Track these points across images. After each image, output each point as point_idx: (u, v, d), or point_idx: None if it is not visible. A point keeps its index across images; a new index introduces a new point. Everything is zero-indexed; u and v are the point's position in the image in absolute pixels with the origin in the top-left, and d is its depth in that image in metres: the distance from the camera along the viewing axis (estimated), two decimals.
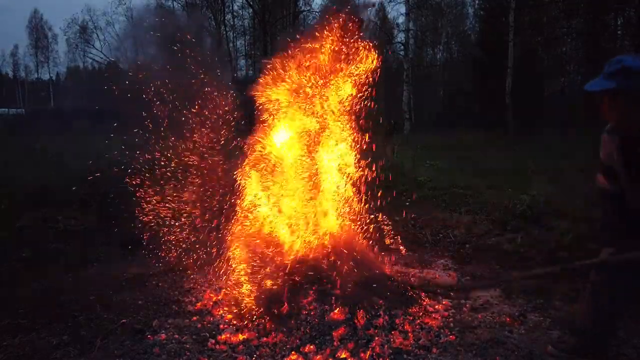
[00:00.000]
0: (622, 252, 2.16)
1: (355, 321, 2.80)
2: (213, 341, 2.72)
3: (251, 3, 23.67)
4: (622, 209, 2.25)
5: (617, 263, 2.16)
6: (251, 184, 3.40)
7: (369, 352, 2.56)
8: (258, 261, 3.17)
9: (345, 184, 3.48)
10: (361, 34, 3.37)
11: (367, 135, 3.53)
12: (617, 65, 2.00)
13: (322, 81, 3.33)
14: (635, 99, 2.00)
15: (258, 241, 3.26)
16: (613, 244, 2.21)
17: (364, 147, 3.53)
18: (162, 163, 3.85)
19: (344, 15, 3.29)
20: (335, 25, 3.29)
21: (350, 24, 3.31)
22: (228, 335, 2.76)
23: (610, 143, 2.24)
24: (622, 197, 2.24)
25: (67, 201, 5.43)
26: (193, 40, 3.94)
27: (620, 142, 2.18)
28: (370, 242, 3.67)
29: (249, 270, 3.18)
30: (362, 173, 3.53)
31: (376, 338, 2.68)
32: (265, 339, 2.72)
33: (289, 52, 3.32)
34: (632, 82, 1.96)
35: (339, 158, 3.46)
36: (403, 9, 23.08)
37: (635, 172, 2.16)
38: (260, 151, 3.38)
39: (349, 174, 3.48)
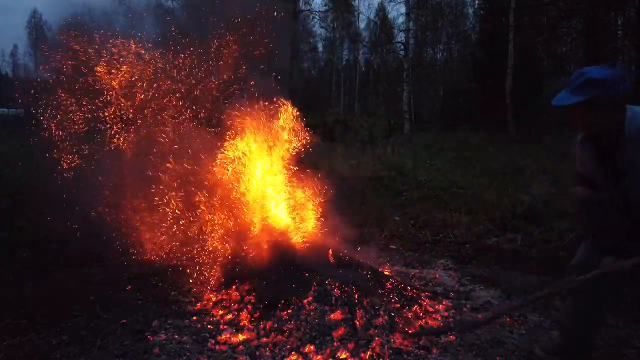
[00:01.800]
0: (624, 257, 2.16)
1: (356, 322, 2.80)
2: (213, 341, 2.72)
3: None
4: (610, 212, 2.28)
5: (620, 271, 2.15)
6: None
7: (369, 352, 2.56)
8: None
9: None
10: None
11: None
12: (582, 79, 2.06)
13: None
14: (605, 107, 2.05)
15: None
16: (613, 251, 2.21)
17: None
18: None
19: None
20: None
21: None
22: (228, 336, 2.76)
23: (584, 154, 2.29)
24: (608, 201, 2.27)
25: None
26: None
27: (595, 151, 2.23)
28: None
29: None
30: None
31: (376, 338, 2.68)
32: (265, 339, 2.72)
33: None
34: (598, 92, 2.03)
35: None
36: (403, 9, 23.12)
37: (613, 180, 2.19)
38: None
39: None
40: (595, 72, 2.05)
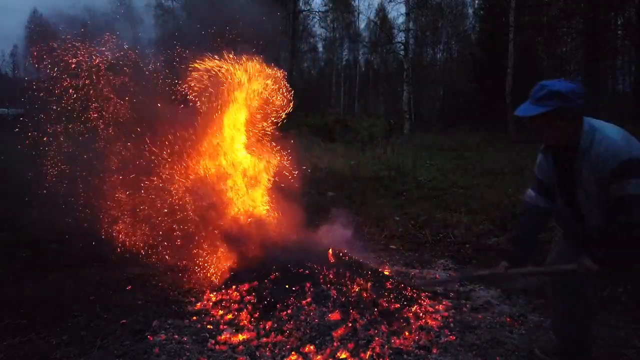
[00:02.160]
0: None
1: (355, 322, 2.80)
2: (213, 341, 2.71)
3: None
4: (541, 225, 2.50)
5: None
6: None
7: (369, 352, 2.56)
8: None
9: None
10: None
11: None
12: (544, 91, 2.12)
13: None
14: (564, 119, 2.11)
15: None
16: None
17: None
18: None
19: None
20: None
21: None
22: (228, 336, 2.76)
23: (545, 162, 2.39)
24: (547, 214, 2.45)
25: None
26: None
27: (553, 161, 2.33)
28: None
29: None
30: None
31: (376, 338, 2.68)
32: (265, 339, 2.72)
33: None
34: (559, 104, 2.08)
35: None
36: (403, 9, 23.13)
37: (567, 191, 2.28)
38: None
39: None
40: (558, 84, 2.12)
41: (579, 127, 2.13)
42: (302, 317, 2.85)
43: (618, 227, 2.10)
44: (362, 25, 36.72)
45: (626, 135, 2.11)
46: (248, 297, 3.17)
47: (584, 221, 2.27)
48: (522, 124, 17.04)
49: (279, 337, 2.72)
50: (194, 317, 3.03)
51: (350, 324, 2.76)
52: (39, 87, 3.96)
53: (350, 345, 2.60)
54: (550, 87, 2.11)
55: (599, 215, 2.18)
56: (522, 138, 14.71)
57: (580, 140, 2.12)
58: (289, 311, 2.92)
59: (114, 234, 4.15)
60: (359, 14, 34.83)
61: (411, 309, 3.09)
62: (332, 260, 3.38)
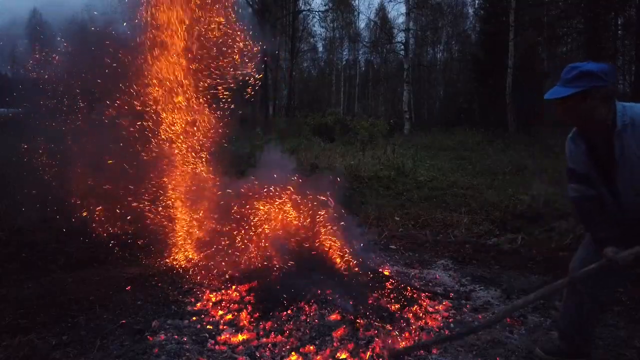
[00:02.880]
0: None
1: (355, 322, 2.80)
2: (212, 342, 2.71)
3: (251, 3, 23.65)
4: (600, 207, 2.30)
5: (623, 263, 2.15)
6: None
7: (369, 353, 2.55)
8: None
9: None
10: None
11: None
12: (575, 71, 2.11)
13: None
14: (598, 99, 2.09)
15: None
16: (611, 244, 2.21)
17: None
18: None
19: None
20: None
21: None
22: (228, 336, 2.76)
23: (577, 150, 2.30)
24: (599, 196, 2.29)
25: None
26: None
27: (586, 145, 2.26)
28: None
29: None
30: None
31: (376, 338, 2.68)
32: (265, 339, 2.72)
33: None
34: (593, 83, 2.07)
35: None
36: (403, 9, 23.13)
37: (605, 173, 2.21)
38: None
39: None
40: (588, 65, 2.11)
41: (612, 107, 2.10)
42: (302, 317, 2.85)
43: None
44: (362, 25, 36.78)
45: None
46: (248, 297, 3.16)
47: (622, 209, 2.20)
48: (522, 124, 17.09)
49: (279, 337, 2.72)
50: (194, 318, 3.03)
51: (350, 325, 2.76)
52: (35, 86, 3.97)
53: (350, 346, 2.60)
54: (581, 67, 2.10)
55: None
56: (522, 138, 14.73)
57: (617, 119, 2.09)
58: (289, 311, 2.92)
59: (114, 234, 4.16)
60: (359, 13, 34.88)
61: (411, 309, 3.09)
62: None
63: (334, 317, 2.83)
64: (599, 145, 2.20)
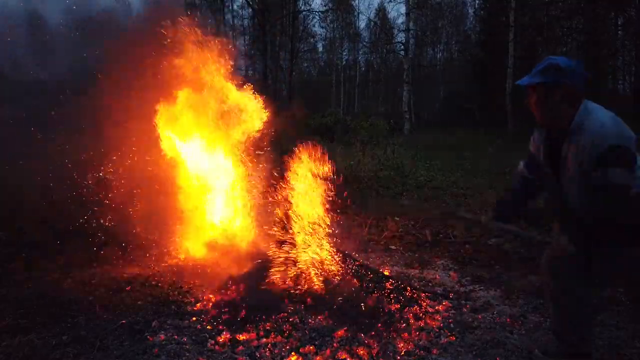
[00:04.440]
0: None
1: (355, 323, 2.80)
2: (212, 342, 2.71)
3: (251, 3, 23.66)
4: (526, 191, 2.49)
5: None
6: None
7: (368, 353, 2.55)
8: None
9: None
10: None
11: None
12: (545, 63, 2.16)
13: None
14: (559, 94, 2.12)
15: None
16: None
17: None
18: None
19: None
20: None
21: None
22: (228, 336, 2.76)
23: (539, 138, 2.39)
24: (531, 184, 2.45)
25: None
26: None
27: (545, 138, 2.32)
28: None
29: None
30: None
31: (376, 339, 2.67)
32: (265, 339, 2.72)
33: None
34: (555, 77, 2.11)
35: None
36: (403, 9, 23.10)
37: (553, 168, 2.26)
38: None
39: None
40: (559, 59, 2.14)
41: (574, 107, 2.12)
42: (302, 318, 2.85)
43: (597, 215, 2.07)
44: (362, 25, 36.77)
45: (619, 121, 2.07)
46: (248, 298, 3.16)
47: (565, 202, 2.25)
48: (522, 124, 17.07)
49: (279, 337, 2.72)
50: (194, 318, 3.02)
51: (349, 325, 2.76)
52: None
53: (350, 346, 2.60)
54: (552, 60, 2.13)
55: (578, 200, 2.16)
56: (522, 138, 14.71)
57: (573, 121, 2.11)
58: (289, 311, 2.92)
59: (114, 233, 4.16)
60: (359, 14, 34.86)
61: (411, 310, 3.09)
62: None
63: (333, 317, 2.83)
64: (554, 141, 2.25)
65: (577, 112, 2.12)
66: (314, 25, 34.24)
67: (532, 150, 2.46)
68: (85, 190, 4.28)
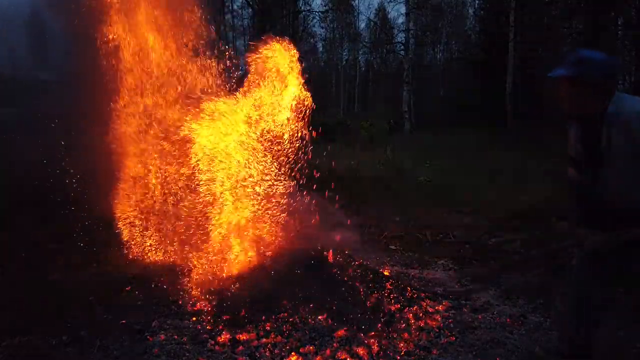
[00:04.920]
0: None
1: (355, 323, 2.80)
2: (212, 342, 2.71)
3: (251, 3, 23.66)
4: (588, 198, 2.35)
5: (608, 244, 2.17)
6: None
7: (368, 353, 2.55)
8: None
9: None
10: None
11: None
12: (573, 56, 2.17)
13: None
14: (590, 87, 2.12)
15: None
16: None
17: None
18: None
19: None
20: None
21: None
22: (227, 336, 2.76)
23: (573, 135, 2.36)
24: (590, 187, 2.32)
25: None
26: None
27: (579, 132, 2.30)
28: None
29: None
30: None
31: (376, 339, 2.67)
32: (264, 339, 2.71)
33: None
34: (585, 70, 2.11)
35: None
36: (403, 9, 23.07)
37: (594, 161, 2.23)
38: None
39: None
40: (588, 52, 2.16)
41: (606, 99, 2.12)
42: (302, 318, 2.85)
43: None
44: (362, 25, 36.72)
45: None
46: (247, 298, 3.16)
47: (607, 198, 2.21)
48: (522, 124, 17.08)
49: (279, 337, 2.72)
50: (194, 318, 3.02)
51: (350, 325, 2.76)
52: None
53: (350, 346, 2.60)
54: (581, 53, 2.16)
55: (627, 191, 2.14)
56: (522, 138, 14.72)
57: (607, 109, 2.11)
58: (289, 311, 2.92)
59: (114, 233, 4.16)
60: (359, 14, 34.85)
61: (411, 310, 3.09)
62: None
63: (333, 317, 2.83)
64: (591, 134, 2.22)
65: (609, 103, 2.12)
66: (314, 26, 34.24)
67: (570, 151, 2.40)
68: (85, 190, 4.27)
